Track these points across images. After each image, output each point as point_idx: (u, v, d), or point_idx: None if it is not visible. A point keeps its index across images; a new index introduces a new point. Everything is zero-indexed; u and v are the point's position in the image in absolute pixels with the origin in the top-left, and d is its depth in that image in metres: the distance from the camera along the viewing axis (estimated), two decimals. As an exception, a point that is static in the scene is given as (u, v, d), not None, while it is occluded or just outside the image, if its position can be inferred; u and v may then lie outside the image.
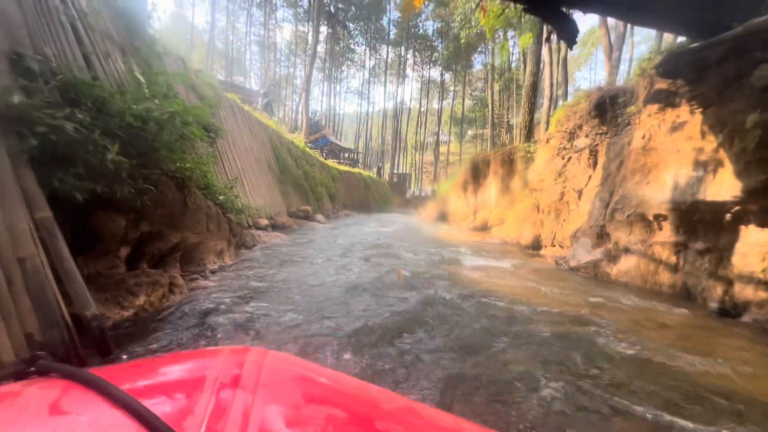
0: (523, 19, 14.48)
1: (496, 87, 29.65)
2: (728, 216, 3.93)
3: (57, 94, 2.83)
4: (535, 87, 14.39)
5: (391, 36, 40.99)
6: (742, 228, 3.84)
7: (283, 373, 0.64)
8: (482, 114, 39.47)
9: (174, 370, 0.67)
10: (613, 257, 5.48)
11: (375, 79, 44.72)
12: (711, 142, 4.09)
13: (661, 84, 4.80)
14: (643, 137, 5.06)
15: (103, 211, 3.33)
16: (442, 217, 16.12)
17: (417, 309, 3.54)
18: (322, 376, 0.71)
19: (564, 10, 4.32)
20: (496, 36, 21.98)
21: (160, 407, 0.48)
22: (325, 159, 20.75)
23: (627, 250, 5.31)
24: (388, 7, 39.60)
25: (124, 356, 2.35)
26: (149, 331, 2.80)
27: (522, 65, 21.41)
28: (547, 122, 16.36)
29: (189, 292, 3.77)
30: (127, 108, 3.36)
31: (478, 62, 39.86)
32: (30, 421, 0.47)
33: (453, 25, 36.33)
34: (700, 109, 4.29)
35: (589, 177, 6.64)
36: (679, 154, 4.62)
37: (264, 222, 8.69)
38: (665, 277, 4.83)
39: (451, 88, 45.45)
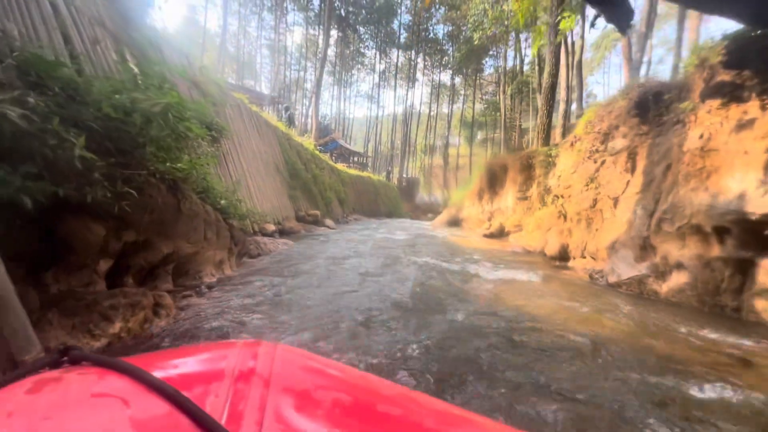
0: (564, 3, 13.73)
1: (508, 90, 28.96)
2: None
3: (13, 74, 2.29)
4: (553, 89, 13.70)
5: (402, 40, 40.57)
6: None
7: (293, 364, 0.66)
8: (493, 118, 38.78)
9: (194, 360, 0.70)
10: (661, 273, 4.80)
11: (385, 83, 44.33)
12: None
13: (724, 75, 4.14)
14: (701, 137, 4.39)
15: (75, 218, 2.79)
16: (455, 223, 15.46)
17: (455, 343, 2.92)
18: (329, 367, 0.74)
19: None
20: (523, 26, 21.28)
21: (184, 391, 0.50)
22: (335, 163, 20.28)
23: (679, 266, 4.62)
24: (398, 11, 39.24)
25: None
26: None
27: (537, 67, 20.72)
28: (564, 126, 15.71)
29: (178, 313, 3.20)
30: (106, 96, 2.81)
31: (489, 66, 39.25)
32: (75, 403, 0.49)
33: (464, 28, 35.84)
34: (777, 104, 3.63)
35: (627, 182, 5.97)
36: (747, 157, 3.95)
37: (271, 228, 8.14)
38: (728, 299, 4.14)
39: (462, 92, 44.86)
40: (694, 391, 2.29)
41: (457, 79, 42.48)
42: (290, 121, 19.71)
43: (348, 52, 41.01)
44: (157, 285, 3.75)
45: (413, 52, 40.56)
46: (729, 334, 3.41)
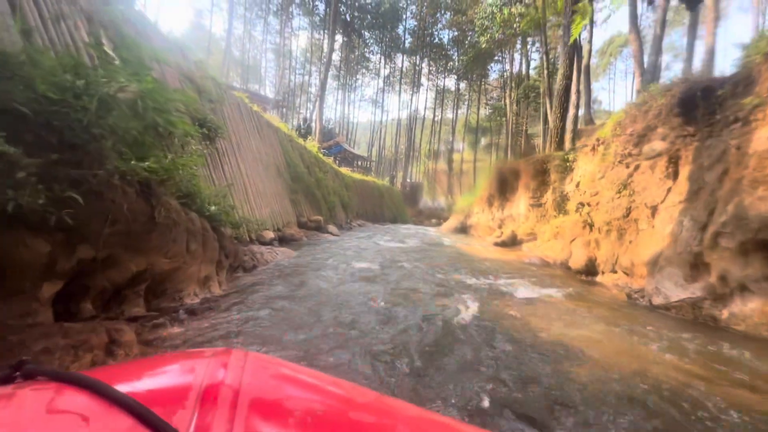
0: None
1: (515, 95, 28.30)
2: None
3: None
4: (567, 91, 13.01)
5: (407, 45, 40.08)
6: None
7: (264, 372, 0.64)
8: (498, 123, 38.14)
9: (160, 372, 0.67)
10: (720, 296, 4.07)
11: (389, 87, 43.81)
12: None
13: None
14: (773, 137, 3.68)
15: (6, 232, 2.10)
16: (463, 230, 14.75)
17: (495, 394, 2.21)
18: (302, 374, 0.72)
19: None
20: (532, 28, 20.69)
21: (150, 405, 0.47)
22: (338, 167, 19.63)
23: (743, 289, 3.90)
24: (404, 16, 38.77)
25: None
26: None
27: (545, 71, 20.09)
28: (573, 131, 14.97)
29: (143, 351, 2.50)
30: (48, 73, 2.14)
31: (494, 71, 38.65)
32: (29, 420, 0.46)
33: (470, 33, 35.30)
34: None
35: (668, 190, 5.26)
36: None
37: (269, 235, 7.45)
38: (812, 331, 3.42)
39: (466, 97, 44.27)
40: None
41: (462, 84, 41.87)
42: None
43: (353, 56, 40.55)
44: (125, 310, 3.06)
45: (418, 57, 40.04)
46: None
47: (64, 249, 2.47)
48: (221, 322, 3.14)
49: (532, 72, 28.96)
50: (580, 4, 11.24)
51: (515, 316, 3.99)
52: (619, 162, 6.25)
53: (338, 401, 0.65)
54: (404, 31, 39.57)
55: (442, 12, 36.86)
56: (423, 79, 42.49)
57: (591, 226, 6.77)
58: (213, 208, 4.45)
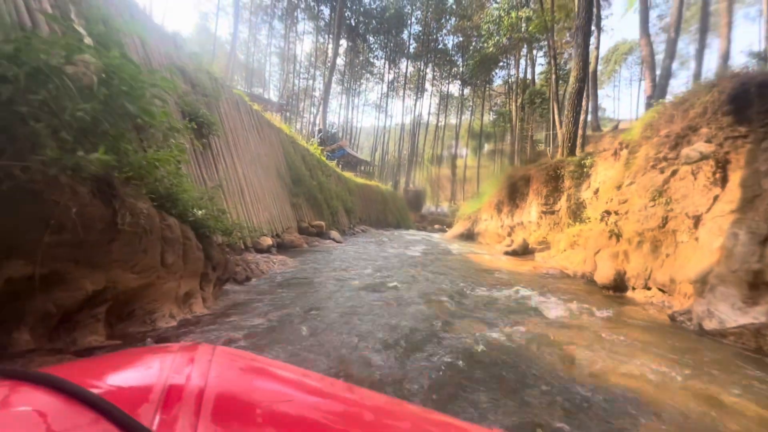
0: None
1: (520, 100, 27.74)
2: None
3: None
4: (580, 94, 12.43)
5: (411, 50, 39.67)
6: None
7: (232, 366, 0.63)
8: (502, 128, 37.58)
9: (124, 367, 0.63)
10: (792, 323, 3.42)
11: (393, 92, 43.39)
12: None
13: None
14: None
15: None
16: (470, 237, 14.10)
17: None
18: (272, 366, 0.71)
19: None
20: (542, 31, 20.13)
21: (112, 401, 0.45)
22: (341, 171, 19.06)
23: (823, 316, 3.25)
24: (409, 22, 38.42)
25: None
26: None
27: (554, 75, 19.54)
28: (582, 136, 14.36)
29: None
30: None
31: (498, 77, 38.15)
32: None
33: (474, 38, 34.88)
34: None
35: (715, 198, 4.62)
36: None
37: (267, 242, 6.83)
38: None
39: (470, 103, 43.80)
40: None
41: (466, 90, 41.41)
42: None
43: (357, 61, 40.18)
44: (77, 339, 2.44)
45: (422, 62, 39.62)
46: None
47: (-16, 266, 1.86)
48: (197, 355, 2.51)
49: (538, 77, 28.44)
50: None
51: (553, 343, 3.35)
52: (652, 167, 5.62)
53: (308, 393, 0.64)
54: (409, 37, 39.21)
55: (447, 17, 36.48)
56: (427, 85, 42.08)
57: (618, 236, 6.12)
58: (199, 212, 3.83)
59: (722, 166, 4.59)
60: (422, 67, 40.19)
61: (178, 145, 3.37)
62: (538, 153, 28.73)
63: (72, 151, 1.98)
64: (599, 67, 39.65)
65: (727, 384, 2.76)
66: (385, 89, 42.58)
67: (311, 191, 10.97)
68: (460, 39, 38.00)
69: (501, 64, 34.56)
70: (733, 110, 4.44)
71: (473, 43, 35.93)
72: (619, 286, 5.81)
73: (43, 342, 2.30)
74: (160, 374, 0.54)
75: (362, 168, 30.12)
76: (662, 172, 5.45)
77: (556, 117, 19.41)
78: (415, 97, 41.33)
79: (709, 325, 3.93)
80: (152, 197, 3.09)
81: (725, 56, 16.57)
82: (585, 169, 9.39)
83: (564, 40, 27.57)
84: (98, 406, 0.43)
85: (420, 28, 38.60)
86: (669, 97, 8.54)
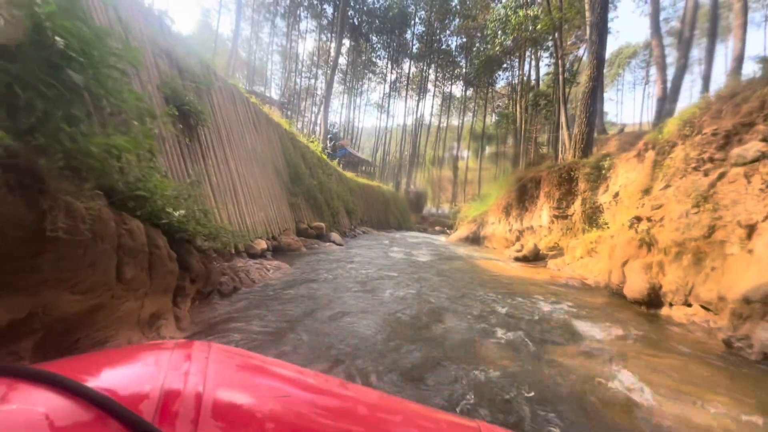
0: None
1: (524, 102, 27.09)
2: None
3: None
4: (594, 94, 11.78)
5: (414, 50, 39.03)
6: None
7: (228, 363, 0.62)
8: (504, 131, 36.95)
9: (121, 363, 0.61)
10: None
11: (395, 93, 42.74)
12: None
13: None
14: None
15: None
16: (476, 240, 13.44)
17: None
18: (267, 364, 0.71)
19: None
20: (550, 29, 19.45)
21: (111, 395, 0.46)
22: (342, 170, 18.39)
23: None
24: (412, 22, 37.77)
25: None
26: None
27: (560, 77, 18.90)
28: (583, 141, 13.63)
29: None
30: None
31: (502, 79, 37.51)
32: None
33: (478, 39, 34.24)
34: None
35: (775, 204, 3.96)
36: None
37: (261, 245, 6.16)
38: None
39: (472, 105, 43.18)
40: None
41: (469, 91, 40.75)
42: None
43: (360, 60, 39.53)
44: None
45: (425, 63, 38.98)
46: None
47: None
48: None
49: (543, 78, 27.80)
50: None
51: (605, 381, 2.69)
52: (694, 168, 4.97)
53: (304, 389, 0.64)
54: (412, 37, 38.58)
55: (451, 18, 35.85)
56: (429, 85, 41.43)
57: (650, 245, 5.47)
58: (177, 213, 3.17)
59: (785, 168, 3.94)
60: (425, 68, 39.55)
61: (145, 130, 2.71)
62: (542, 156, 28.12)
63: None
64: (603, 71, 39.08)
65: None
66: (387, 89, 41.94)
67: (311, 191, 10.30)
68: (464, 40, 37.39)
69: (504, 66, 33.96)
70: (802, 103, 3.79)
71: (477, 45, 35.32)
72: (653, 301, 5.15)
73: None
74: (158, 371, 0.53)
75: (363, 168, 29.46)
76: (707, 174, 4.79)
77: (563, 119, 18.79)
78: (417, 98, 40.69)
79: (782, 356, 3.27)
80: (111, 195, 2.43)
81: (739, 58, 15.90)
82: (603, 172, 8.74)
83: (570, 42, 26.95)
84: (100, 402, 0.43)
85: (423, 29, 37.97)
86: (679, 98, 7.90)
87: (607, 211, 8.52)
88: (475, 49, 35.17)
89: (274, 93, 40.33)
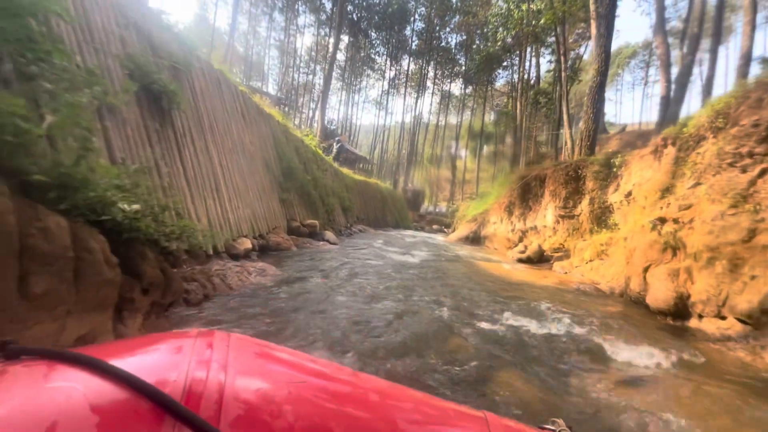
0: None
1: (524, 100, 26.50)
2: None
3: None
4: (602, 88, 11.20)
5: (413, 47, 38.30)
6: None
7: (248, 351, 0.64)
8: (504, 128, 36.37)
9: (149, 348, 0.63)
10: None
11: (394, 90, 42.04)
12: None
13: None
14: None
15: None
16: (476, 240, 12.86)
17: None
18: (283, 353, 0.72)
19: None
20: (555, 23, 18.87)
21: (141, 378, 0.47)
22: (339, 167, 17.72)
23: None
24: (412, 18, 37.02)
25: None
26: None
27: (562, 73, 18.33)
28: (589, 138, 13.08)
29: None
30: None
31: (501, 77, 36.88)
32: (27, 393, 0.44)
33: (477, 34, 33.59)
34: None
35: (834, 205, 3.38)
36: None
37: (246, 245, 5.54)
38: None
39: (471, 104, 42.56)
40: None
41: (468, 89, 40.11)
42: (339, 153, 19.86)
43: (358, 56, 38.78)
44: None
45: (424, 60, 38.28)
46: None
47: None
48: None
49: (543, 76, 27.23)
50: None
51: (656, 421, 2.11)
52: (730, 164, 4.39)
53: (319, 376, 0.66)
54: (412, 33, 37.84)
55: (451, 14, 35.18)
56: (428, 83, 40.73)
57: (675, 249, 4.89)
58: (129, 207, 2.55)
59: None
60: (424, 65, 38.85)
61: (73, 100, 2.08)
62: (542, 155, 27.55)
63: None
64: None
65: None
66: (386, 86, 41.22)
67: (304, 186, 9.67)
68: (464, 37, 36.72)
69: (505, 64, 33.34)
70: None
71: (477, 42, 34.69)
72: (679, 312, 4.57)
73: None
74: (182, 359, 0.55)
75: (361, 165, 28.78)
76: (745, 171, 4.22)
77: (565, 116, 18.22)
78: (416, 95, 40.01)
79: None
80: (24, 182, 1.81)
81: (747, 56, 15.34)
82: (614, 170, 8.16)
83: (572, 39, 26.39)
84: (133, 384, 0.45)
85: (423, 25, 37.24)
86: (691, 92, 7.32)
87: (618, 211, 7.95)
88: (474, 46, 34.55)
89: (272, 89, 39.53)
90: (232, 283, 3.97)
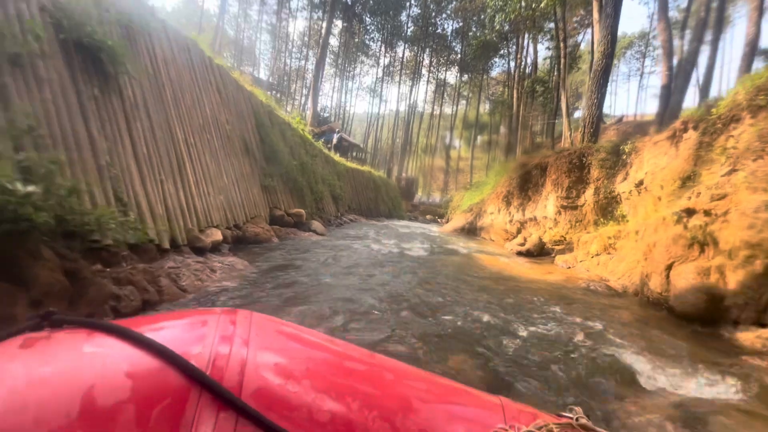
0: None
1: (522, 88, 25.68)
2: None
3: None
4: (607, 72, 10.46)
5: (409, 33, 37.03)
6: None
7: (269, 328, 0.66)
8: (499, 118, 35.60)
9: (177, 323, 0.66)
10: None
11: (389, 77, 40.86)
12: None
13: None
14: None
15: None
16: (472, 232, 12.20)
17: None
18: (303, 332, 0.73)
19: None
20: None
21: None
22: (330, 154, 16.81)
23: None
24: (408, 3, 35.68)
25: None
26: None
27: (562, 59, 17.57)
28: (593, 125, 12.42)
29: None
30: None
31: (498, 66, 35.93)
32: (68, 356, 0.48)
33: (475, 20, 32.53)
34: None
35: None
36: None
37: (215, 237, 4.78)
38: None
39: (466, 93, 41.60)
40: None
41: (464, 77, 39.06)
42: (339, 144, 19.55)
43: (352, 42, 37.42)
44: None
45: (419, 47, 37.07)
46: None
47: None
48: None
49: (541, 63, 26.41)
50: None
51: None
52: (775, 147, 3.71)
53: (334, 354, 0.66)
54: (407, 18, 36.52)
55: (448, 0, 33.97)
56: (423, 71, 39.58)
57: (703, 245, 4.24)
58: (22, 188, 1.79)
59: None
60: (419, 52, 37.67)
61: None
62: (537, 145, 26.87)
63: None
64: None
65: None
66: (380, 74, 40.01)
67: (290, 172, 8.86)
68: (460, 24, 35.58)
69: (501, 52, 32.38)
70: None
71: (473, 29, 33.63)
72: (711, 317, 3.94)
73: None
74: (207, 333, 0.56)
75: (354, 154, 27.83)
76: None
77: (563, 104, 17.51)
78: (410, 83, 38.91)
79: None
80: None
81: (753, 43, 14.65)
82: (623, 157, 7.50)
83: (571, 27, 25.53)
84: (163, 353, 0.48)
85: (419, 10, 35.95)
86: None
87: (627, 201, 7.32)
88: (471, 33, 33.51)
89: (263, 74, 38.09)
90: (186, 285, 3.23)
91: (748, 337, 3.61)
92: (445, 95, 41.96)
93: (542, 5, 16.33)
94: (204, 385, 0.46)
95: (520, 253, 8.74)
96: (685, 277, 4.17)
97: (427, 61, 39.38)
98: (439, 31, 36.82)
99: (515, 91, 25.64)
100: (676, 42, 22.11)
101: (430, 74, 40.47)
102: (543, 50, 28.78)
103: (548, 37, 23.04)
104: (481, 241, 11.10)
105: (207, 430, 0.44)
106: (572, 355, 2.90)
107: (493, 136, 38.88)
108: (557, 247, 8.62)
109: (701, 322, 3.99)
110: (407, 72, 39.60)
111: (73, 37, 3.17)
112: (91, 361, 0.46)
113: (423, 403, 0.60)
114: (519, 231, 10.21)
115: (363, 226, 12.21)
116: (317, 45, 35.26)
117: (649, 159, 6.75)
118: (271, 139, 8.25)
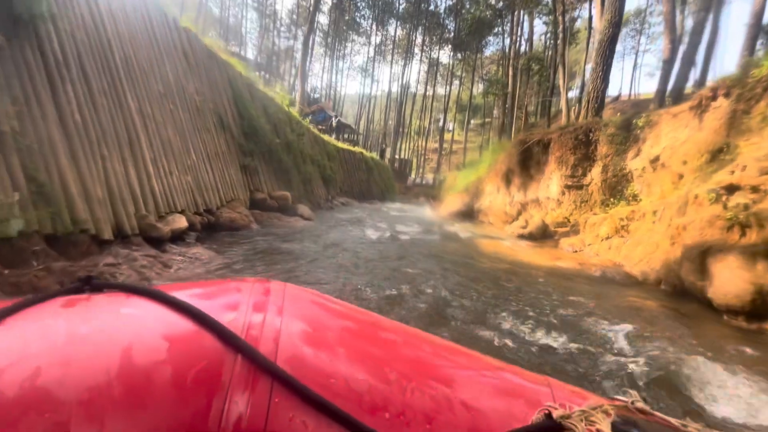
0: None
1: (518, 64, 24.62)
2: None
3: None
4: (613, 42, 9.64)
5: (401, 10, 35.34)
6: None
7: (302, 298, 0.65)
8: (493, 98, 34.52)
9: (212, 290, 0.65)
10: None
11: (380, 57, 39.27)
12: None
13: None
14: None
15: None
16: (469, 215, 11.53)
17: None
18: (336, 303, 0.71)
19: None
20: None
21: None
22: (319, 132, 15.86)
23: None
24: (400, -22, 33.88)
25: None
26: None
27: (561, 34, 16.64)
28: (597, 99, 11.62)
29: None
30: None
31: (492, 45, 34.59)
32: (108, 316, 0.49)
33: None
34: None
35: None
36: None
37: (179, 224, 4.02)
38: None
39: (459, 73, 40.22)
40: None
41: (458, 56, 37.63)
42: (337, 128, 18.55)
43: (343, 20, 35.65)
44: None
45: (412, 24, 35.44)
46: None
47: None
48: None
49: (537, 40, 25.32)
50: None
51: None
52: None
53: (368, 324, 0.65)
54: (399, -6, 34.73)
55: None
56: (416, 50, 38.04)
57: (745, 228, 3.61)
58: None
59: None
60: (412, 31, 36.08)
61: None
62: (531, 125, 26.04)
63: None
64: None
65: None
66: (371, 53, 38.40)
67: (274, 152, 8.02)
68: (453, 0, 33.97)
69: (495, 30, 31.06)
70: None
71: (467, 6, 32.11)
72: (757, 310, 3.34)
73: None
74: (243, 301, 0.56)
75: (346, 135, 26.74)
76: None
77: (561, 80, 16.68)
78: (403, 63, 37.44)
79: None
80: None
81: (759, 14, 13.78)
82: (636, 132, 6.79)
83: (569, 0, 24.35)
84: (199, 317, 0.48)
85: (411, -15, 34.22)
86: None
87: (639, 179, 6.66)
88: (464, 11, 32.04)
89: (251, 53, 36.29)
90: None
91: (806, 336, 3.01)
92: (438, 75, 40.56)
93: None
94: (240, 349, 0.45)
95: (522, 237, 8.12)
96: (729, 265, 3.54)
97: (419, 40, 37.79)
98: (432, 8, 35.21)
99: (510, 69, 24.59)
100: (677, 16, 21.21)
101: (423, 53, 38.92)
102: (539, 26, 27.60)
103: (546, 11, 21.89)
104: (478, 223, 10.46)
105: (242, 395, 0.43)
106: (618, 364, 2.27)
107: (486, 119, 37.90)
108: (561, 230, 8.00)
109: (745, 317, 3.39)
110: (399, 51, 38.04)
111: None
112: (130, 322, 0.47)
113: (464, 377, 0.58)
114: (519, 213, 9.57)
115: (355, 209, 11.47)
116: (306, 23, 33.58)
117: (667, 132, 6.06)
118: (251, 114, 7.36)
